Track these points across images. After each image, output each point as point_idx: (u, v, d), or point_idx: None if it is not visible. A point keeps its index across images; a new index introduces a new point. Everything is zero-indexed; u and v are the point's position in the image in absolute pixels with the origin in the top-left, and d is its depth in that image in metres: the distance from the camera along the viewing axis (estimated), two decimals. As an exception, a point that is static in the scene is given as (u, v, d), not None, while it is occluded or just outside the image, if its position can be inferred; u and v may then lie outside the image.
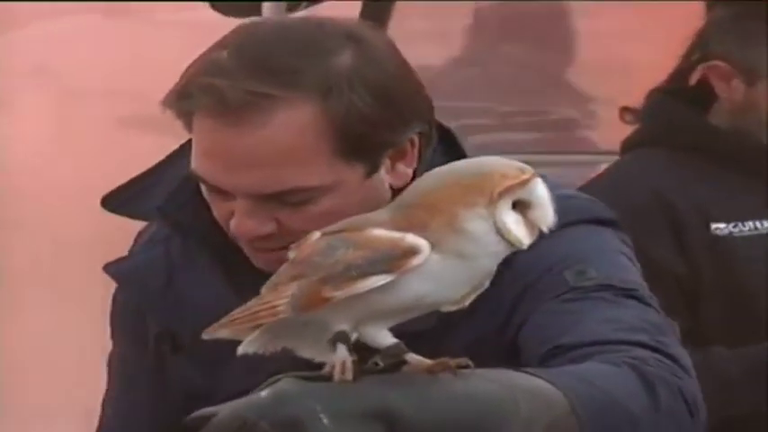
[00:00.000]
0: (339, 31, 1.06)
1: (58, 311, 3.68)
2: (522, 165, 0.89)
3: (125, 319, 1.22)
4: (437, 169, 0.91)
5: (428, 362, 0.87)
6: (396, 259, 0.84)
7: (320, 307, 0.85)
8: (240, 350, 0.90)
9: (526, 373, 0.87)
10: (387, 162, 1.07)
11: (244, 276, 1.09)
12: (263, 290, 0.90)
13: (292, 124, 1.03)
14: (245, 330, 0.90)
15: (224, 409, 0.85)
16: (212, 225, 1.12)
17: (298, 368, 0.92)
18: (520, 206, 0.87)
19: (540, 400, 0.85)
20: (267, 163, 1.03)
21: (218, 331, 0.90)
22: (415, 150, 1.08)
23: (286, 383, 0.85)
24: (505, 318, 0.96)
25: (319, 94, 1.03)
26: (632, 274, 1.06)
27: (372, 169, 1.06)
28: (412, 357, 0.87)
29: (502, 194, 0.86)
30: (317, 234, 0.89)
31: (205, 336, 0.91)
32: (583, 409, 0.85)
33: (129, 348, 1.21)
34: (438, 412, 0.83)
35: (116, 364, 1.23)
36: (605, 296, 1.00)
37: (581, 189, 1.30)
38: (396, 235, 0.85)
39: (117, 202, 1.16)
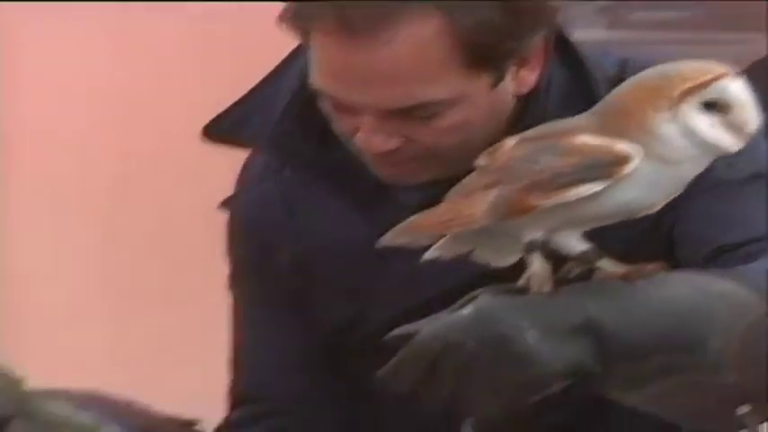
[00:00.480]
0: None
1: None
2: (710, 65, 0.86)
3: (250, 259, 1.18)
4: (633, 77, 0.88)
5: (622, 269, 0.86)
6: (608, 166, 0.82)
7: (523, 215, 0.83)
8: (428, 256, 0.88)
9: (715, 275, 0.87)
10: (512, 69, 1.04)
11: (366, 197, 1.08)
12: (450, 197, 0.87)
13: (419, 38, 0.99)
14: (428, 237, 0.87)
15: (424, 328, 0.83)
16: (321, 150, 1.09)
17: (460, 282, 0.91)
18: (718, 108, 0.85)
19: (735, 304, 0.85)
20: (394, 79, 1.00)
21: (397, 237, 0.87)
22: (540, 56, 1.06)
23: (486, 300, 0.83)
24: (658, 214, 0.95)
25: (445, 7, 0.99)
26: None
27: (498, 79, 1.03)
28: (605, 263, 0.86)
29: (682, 96, 0.84)
30: (512, 140, 0.86)
31: (384, 242, 0.88)
32: None
33: (261, 288, 1.17)
34: (640, 322, 0.83)
35: (247, 309, 1.20)
36: (758, 188, 1.01)
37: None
38: (605, 141, 0.83)
39: (219, 129, 1.12)
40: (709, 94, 0.85)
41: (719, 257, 0.96)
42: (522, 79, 1.06)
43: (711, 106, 0.86)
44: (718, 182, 1.00)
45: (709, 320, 0.84)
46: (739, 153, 0.93)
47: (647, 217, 0.92)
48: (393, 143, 1.03)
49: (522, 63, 1.05)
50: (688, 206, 0.99)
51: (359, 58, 0.99)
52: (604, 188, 0.82)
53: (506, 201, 0.83)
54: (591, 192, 0.82)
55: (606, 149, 0.82)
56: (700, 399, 0.85)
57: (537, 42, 1.05)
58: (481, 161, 0.87)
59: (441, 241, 0.87)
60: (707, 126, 0.85)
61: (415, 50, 1.00)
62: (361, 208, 1.10)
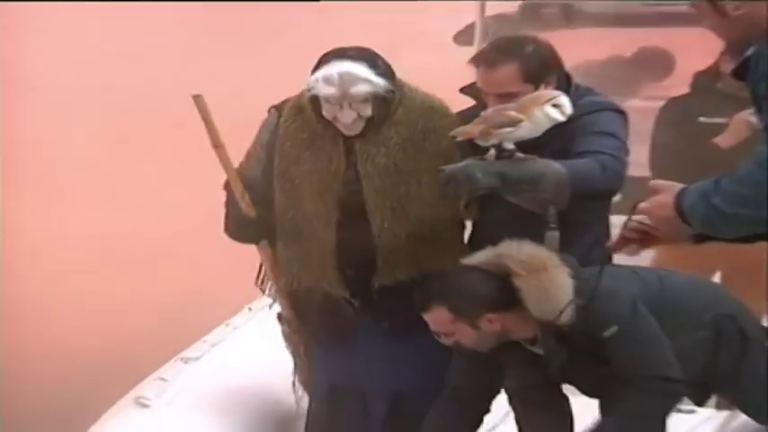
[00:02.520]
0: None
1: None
2: (556, 92, 2.71)
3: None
4: None
5: (523, 156, 2.67)
6: (514, 122, 2.66)
7: (488, 136, 2.67)
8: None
9: (560, 162, 2.67)
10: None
11: None
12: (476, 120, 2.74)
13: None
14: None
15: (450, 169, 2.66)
16: None
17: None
18: (557, 105, 2.66)
19: (556, 171, 2.65)
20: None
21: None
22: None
23: (471, 163, 2.66)
24: (568, 141, 2.74)
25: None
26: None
27: None
28: (519, 154, 2.67)
29: (546, 102, 2.66)
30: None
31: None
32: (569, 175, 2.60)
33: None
34: (521, 172, 2.62)
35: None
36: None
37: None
38: (516, 114, 2.66)
39: None
40: (554, 101, 2.66)
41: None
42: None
43: (556, 105, 2.66)
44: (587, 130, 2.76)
45: (544, 174, 2.61)
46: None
47: (554, 142, 2.71)
48: None
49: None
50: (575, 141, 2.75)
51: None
52: (513, 129, 2.64)
53: (484, 129, 2.66)
54: (509, 130, 2.63)
55: (515, 116, 2.64)
56: (538, 201, 2.63)
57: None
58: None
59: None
60: (552, 111, 2.65)
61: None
62: None
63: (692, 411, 3.11)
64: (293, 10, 7.52)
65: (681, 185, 2.26)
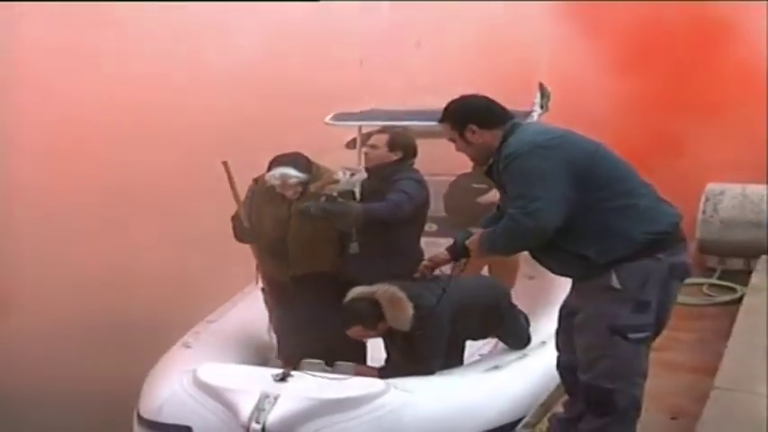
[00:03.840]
0: None
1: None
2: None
3: None
4: None
5: None
6: None
7: None
8: None
9: None
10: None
11: None
12: None
13: None
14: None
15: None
16: None
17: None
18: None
19: (359, 209, 5.42)
20: None
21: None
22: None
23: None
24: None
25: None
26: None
27: None
28: None
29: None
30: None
31: None
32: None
33: None
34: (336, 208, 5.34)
35: None
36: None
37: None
38: None
39: None
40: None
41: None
42: None
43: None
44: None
45: (347, 211, 5.34)
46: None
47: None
48: None
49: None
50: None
51: None
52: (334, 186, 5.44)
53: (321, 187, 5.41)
54: (332, 187, 5.37)
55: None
56: (345, 225, 5.34)
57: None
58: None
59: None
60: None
61: None
62: None
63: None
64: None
65: (442, 253, 4.40)
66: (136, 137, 8.32)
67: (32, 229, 8.05)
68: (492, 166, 4.08)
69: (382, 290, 5.02)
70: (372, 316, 5.02)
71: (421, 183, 5.48)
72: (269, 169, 5.55)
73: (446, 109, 4.20)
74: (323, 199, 5.32)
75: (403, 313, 4.99)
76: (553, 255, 4.01)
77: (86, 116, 8.29)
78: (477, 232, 4.18)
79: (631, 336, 3.90)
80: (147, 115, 8.38)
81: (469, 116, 4.12)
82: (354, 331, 5.11)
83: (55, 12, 8.32)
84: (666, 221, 3.95)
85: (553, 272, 4.19)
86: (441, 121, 4.19)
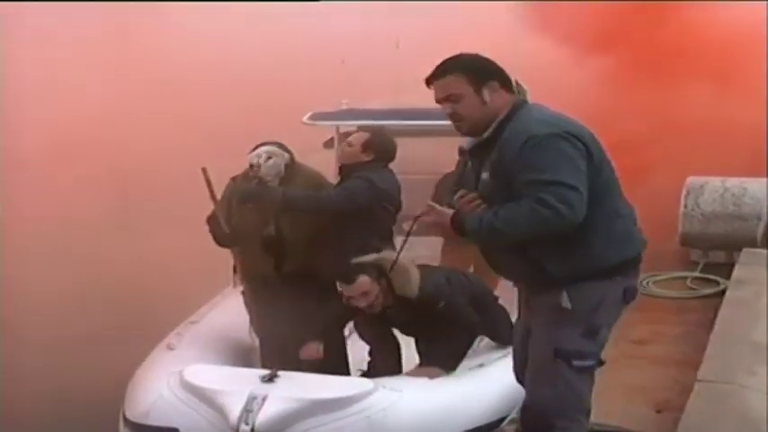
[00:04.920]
0: None
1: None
2: None
3: None
4: None
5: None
6: None
7: None
8: None
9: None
10: None
11: None
12: None
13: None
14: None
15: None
16: None
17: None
18: None
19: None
20: None
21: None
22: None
23: None
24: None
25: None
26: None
27: None
28: None
29: None
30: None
31: None
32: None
33: None
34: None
35: None
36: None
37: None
38: None
39: None
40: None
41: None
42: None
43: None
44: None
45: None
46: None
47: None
48: None
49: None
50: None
51: None
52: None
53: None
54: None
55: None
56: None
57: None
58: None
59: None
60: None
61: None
62: None
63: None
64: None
65: (450, 211, 3.54)
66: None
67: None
68: (486, 142, 3.62)
69: (387, 256, 5.05)
70: (377, 270, 5.04)
71: (372, 183, 5.47)
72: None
73: (454, 60, 3.67)
74: (255, 182, 5.38)
75: (409, 278, 5.03)
76: (509, 256, 3.62)
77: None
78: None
79: (576, 363, 3.57)
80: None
81: (492, 71, 3.65)
82: (360, 285, 5.08)
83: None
84: (637, 248, 3.68)
85: (501, 273, 3.90)
86: (443, 74, 3.65)
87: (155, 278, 7.62)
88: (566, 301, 3.53)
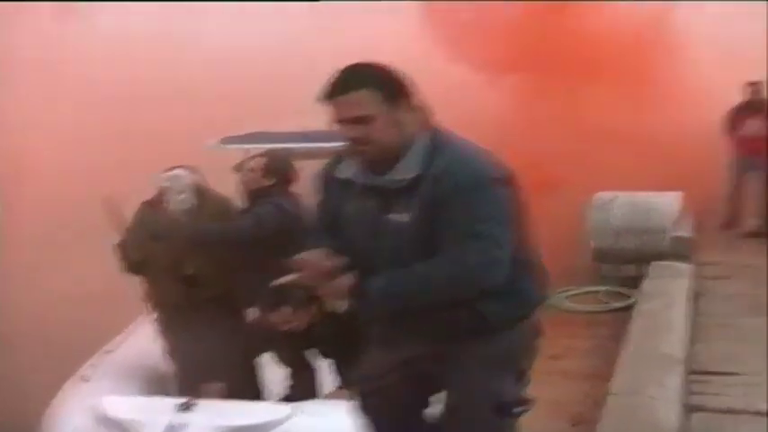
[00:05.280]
0: None
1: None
2: None
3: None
4: None
5: None
6: None
7: None
8: None
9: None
10: None
11: None
12: None
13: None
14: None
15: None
16: None
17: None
18: None
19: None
20: None
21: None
22: None
23: None
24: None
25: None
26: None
27: None
28: None
29: None
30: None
31: None
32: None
33: None
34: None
35: None
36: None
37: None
38: None
39: None
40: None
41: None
42: None
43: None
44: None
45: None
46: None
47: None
48: None
49: None
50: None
51: None
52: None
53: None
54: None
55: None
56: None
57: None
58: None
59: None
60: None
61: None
62: None
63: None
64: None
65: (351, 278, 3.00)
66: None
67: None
68: (392, 170, 3.07)
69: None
70: (302, 298, 4.88)
71: (281, 207, 5.48)
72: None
73: (363, 71, 3.05)
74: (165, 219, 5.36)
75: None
76: (429, 309, 3.09)
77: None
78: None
79: (516, 410, 3.25)
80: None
81: (407, 87, 3.07)
82: (280, 314, 4.94)
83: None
84: (548, 282, 3.34)
85: (407, 332, 3.21)
86: (350, 89, 3.02)
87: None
88: (500, 349, 3.19)
